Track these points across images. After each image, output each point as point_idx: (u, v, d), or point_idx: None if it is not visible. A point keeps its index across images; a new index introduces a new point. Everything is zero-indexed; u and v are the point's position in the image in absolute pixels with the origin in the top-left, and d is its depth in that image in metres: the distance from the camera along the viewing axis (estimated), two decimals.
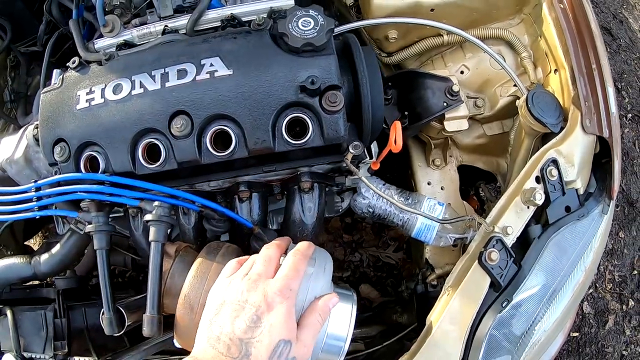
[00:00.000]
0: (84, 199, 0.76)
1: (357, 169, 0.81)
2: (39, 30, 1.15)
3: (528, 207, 0.74)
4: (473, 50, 0.93)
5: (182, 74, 0.71)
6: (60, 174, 0.77)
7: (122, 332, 0.76)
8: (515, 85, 0.87)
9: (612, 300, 1.60)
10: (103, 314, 0.76)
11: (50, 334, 0.90)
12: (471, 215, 0.75)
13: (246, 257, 0.67)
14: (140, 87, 0.72)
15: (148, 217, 0.72)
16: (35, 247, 1.50)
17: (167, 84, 0.71)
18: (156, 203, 0.72)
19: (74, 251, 0.87)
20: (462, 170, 1.00)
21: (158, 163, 0.72)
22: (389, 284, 1.21)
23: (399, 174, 1.02)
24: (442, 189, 0.96)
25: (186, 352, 0.61)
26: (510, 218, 0.73)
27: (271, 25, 0.74)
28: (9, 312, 0.88)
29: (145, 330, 0.69)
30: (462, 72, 0.94)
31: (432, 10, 0.87)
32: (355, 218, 1.43)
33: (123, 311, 0.77)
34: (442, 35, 0.91)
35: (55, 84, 0.81)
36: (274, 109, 0.69)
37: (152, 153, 0.73)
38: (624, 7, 2.36)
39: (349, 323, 0.67)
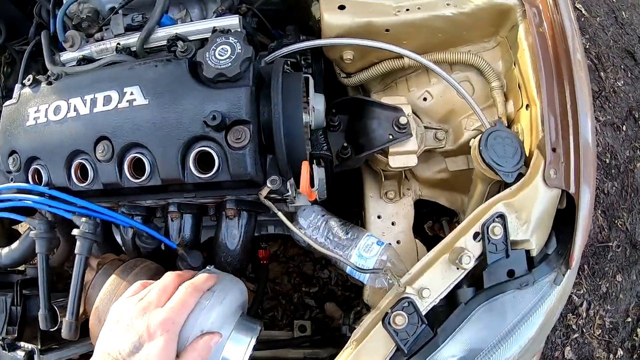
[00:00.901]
0: (28, 207, 0.83)
1: (283, 201, 0.78)
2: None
3: (456, 269, 0.65)
4: (439, 76, 0.82)
5: (107, 100, 0.73)
6: (14, 182, 0.85)
7: (55, 328, 0.84)
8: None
9: (598, 348, 1.38)
10: (39, 311, 0.85)
11: (2, 318, 1.01)
12: (385, 269, 0.68)
13: (151, 281, 0.69)
14: (74, 111, 0.76)
15: (75, 231, 0.77)
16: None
17: (95, 110, 0.74)
18: (83, 219, 0.77)
19: (32, 248, 0.95)
20: (425, 204, 0.91)
21: (87, 182, 0.76)
22: (355, 305, 1.17)
23: (350, 202, 0.96)
24: (392, 224, 0.88)
25: None
26: (433, 278, 0.65)
27: (193, 53, 0.72)
28: None
29: (63, 333, 0.75)
30: (425, 99, 0.84)
31: (387, 30, 0.77)
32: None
33: (56, 310, 0.84)
34: (403, 59, 0.81)
35: (14, 98, 0.89)
36: (182, 141, 0.68)
37: (81, 173, 0.78)
38: None
39: (243, 356, 0.66)
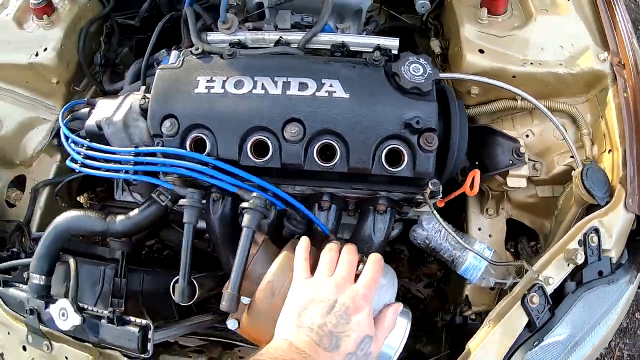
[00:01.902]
0: (183, 174, 1.00)
1: (412, 206, 1.10)
2: (140, 6, 1.42)
3: (568, 265, 1.03)
4: (540, 118, 1.25)
5: (303, 86, 0.99)
6: (162, 146, 1.01)
7: (190, 302, 1.00)
8: (572, 157, 1.19)
9: None
10: (176, 282, 0.99)
11: (105, 290, 1.14)
12: (521, 261, 1.03)
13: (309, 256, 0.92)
14: (262, 89, 1.00)
15: (245, 204, 0.97)
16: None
17: (288, 92, 0.99)
18: (255, 194, 0.98)
19: (150, 219, 1.12)
20: (509, 223, 1.30)
21: (264, 159, 0.98)
22: (414, 315, 1.48)
23: (450, 214, 1.30)
24: (490, 236, 1.26)
25: (237, 336, 0.83)
26: (553, 271, 1.02)
27: (385, 62, 1.02)
28: (71, 261, 1.12)
29: (224, 305, 0.93)
30: (527, 136, 1.26)
31: (513, 76, 1.19)
32: (395, 248, 1.70)
33: (196, 284, 1.00)
34: (517, 100, 1.22)
35: (173, 63, 1.07)
36: (379, 136, 0.97)
37: (257, 149, 0.99)
38: None
39: (403, 334, 0.93)
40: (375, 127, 0.97)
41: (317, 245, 1.06)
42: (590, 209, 1.12)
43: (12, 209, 1.53)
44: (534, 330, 0.99)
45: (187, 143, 1.01)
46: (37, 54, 1.41)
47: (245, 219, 0.97)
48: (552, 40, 1.22)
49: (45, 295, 1.11)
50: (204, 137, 1.00)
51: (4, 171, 1.53)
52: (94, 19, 1.48)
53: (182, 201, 1.01)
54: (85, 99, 1.30)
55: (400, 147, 0.98)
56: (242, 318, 0.96)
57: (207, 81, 1.02)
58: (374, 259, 0.91)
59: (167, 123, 1.01)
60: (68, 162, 1.20)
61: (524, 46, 1.21)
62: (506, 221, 1.30)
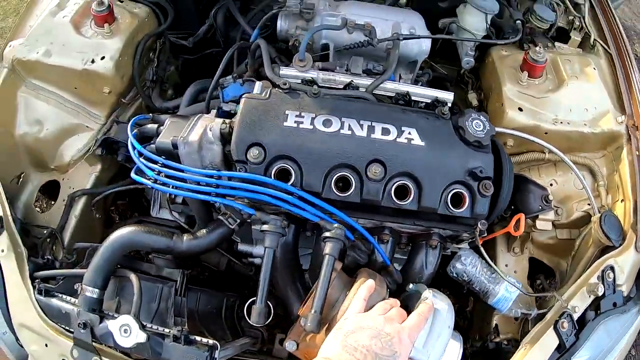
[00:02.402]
0: (266, 201, 1.20)
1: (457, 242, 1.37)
2: (195, 28, 1.60)
3: (589, 296, 1.35)
4: (563, 170, 1.58)
5: (385, 132, 1.24)
6: (244, 172, 1.21)
7: (265, 323, 1.19)
8: (589, 204, 1.51)
9: None
10: (253, 303, 1.19)
11: (162, 308, 1.29)
12: (552, 291, 1.33)
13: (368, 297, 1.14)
14: (349, 130, 1.24)
15: (327, 234, 1.20)
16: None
17: (373, 135, 1.24)
18: (337, 225, 1.20)
19: (217, 240, 1.31)
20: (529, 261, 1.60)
21: (346, 194, 1.21)
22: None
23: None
24: (515, 272, 1.56)
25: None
26: (577, 301, 1.35)
27: (450, 116, 1.29)
28: (134, 278, 1.27)
29: (309, 326, 1.12)
30: (551, 184, 1.58)
31: (546, 133, 1.50)
32: None
33: (271, 306, 1.20)
34: (545, 153, 1.53)
35: (259, 93, 1.27)
36: (447, 181, 1.25)
37: (339, 184, 1.21)
38: None
39: (457, 357, 1.17)
40: (444, 172, 1.25)
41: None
42: (605, 250, 1.45)
43: (41, 214, 1.63)
44: (562, 352, 1.29)
45: (272, 172, 1.22)
46: (93, 61, 1.58)
47: (328, 247, 1.19)
48: (579, 103, 1.59)
49: (98, 309, 1.21)
50: (290, 168, 1.21)
51: (37, 174, 1.66)
52: (150, 34, 1.67)
53: (264, 227, 1.21)
54: (151, 115, 1.45)
55: (463, 192, 1.25)
56: (304, 339, 1.15)
57: (297, 116, 1.24)
58: (420, 309, 1.11)
59: (254, 151, 1.22)
60: (134, 175, 1.35)
61: (556, 107, 1.57)
62: (529, 259, 1.60)
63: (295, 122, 1.25)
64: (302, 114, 1.26)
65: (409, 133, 1.27)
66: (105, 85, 1.59)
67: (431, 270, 1.36)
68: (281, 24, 1.53)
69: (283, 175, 1.25)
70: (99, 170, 1.64)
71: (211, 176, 1.26)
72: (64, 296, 1.31)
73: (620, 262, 1.40)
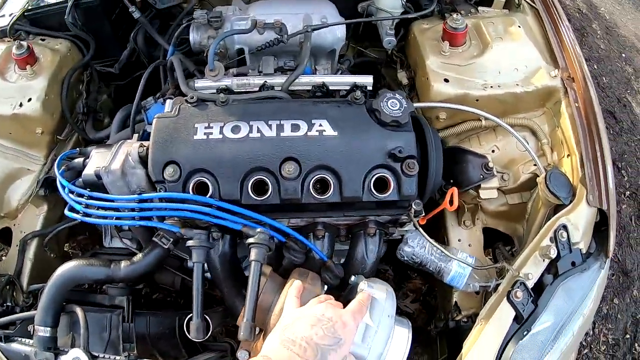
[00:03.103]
0: (188, 217, 1.14)
1: (397, 226, 1.29)
2: (118, 54, 1.55)
3: (543, 260, 1.25)
4: (503, 133, 1.48)
5: (295, 127, 1.17)
6: (165, 191, 1.15)
7: (205, 337, 1.13)
8: (535, 165, 1.41)
9: None
10: (190, 320, 1.13)
11: (114, 336, 1.26)
12: (501, 262, 1.24)
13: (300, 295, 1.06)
14: (258, 132, 1.17)
15: (251, 240, 1.13)
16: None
17: (282, 134, 1.16)
18: (259, 229, 1.13)
19: (154, 262, 1.25)
20: (484, 231, 1.51)
21: (264, 197, 1.14)
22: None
23: (430, 230, 1.50)
24: (469, 245, 1.46)
25: None
26: (531, 267, 1.24)
27: (365, 100, 1.21)
28: (79, 311, 1.23)
29: (242, 335, 1.06)
30: (493, 151, 1.48)
31: (477, 100, 1.41)
32: (379, 269, 1.88)
33: (209, 320, 1.14)
34: (481, 120, 1.44)
35: (169, 111, 1.21)
36: (367, 167, 1.16)
37: (256, 188, 1.15)
38: (628, 92, 3.21)
39: (406, 344, 1.10)
40: (362, 159, 1.16)
41: (317, 271, 1.23)
42: (556, 209, 1.34)
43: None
44: (521, 322, 1.19)
45: (190, 187, 1.16)
46: (21, 105, 1.52)
47: (253, 254, 1.12)
48: (508, 64, 1.47)
49: (53, 347, 1.19)
50: (206, 180, 1.15)
51: None
52: (75, 68, 1.61)
53: (190, 242, 1.15)
54: (78, 149, 1.41)
55: (386, 175, 1.17)
56: (254, 347, 1.10)
57: (205, 127, 1.18)
58: (362, 296, 1.05)
59: (169, 169, 1.16)
60: (67, 212, 1.31)
61: (483, 72, 1.45)
62: (482, 230, 1.51)
63: (204, 134, 1.17)
64: (211, 124, 1.18)
65: (320, 125, 1.17)
66: (37, 126, 1.54)
67: (373, 259, 1.26)
68: (193, 36, 1.47)
69: (202, 188, 1.18)
70: (46, 211, 1.59)
71: (132, 201, 1.22)
72: (22, 339, 1.29)
73: (573, 219, 1.28)
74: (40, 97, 1.52)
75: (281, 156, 1.16)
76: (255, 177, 1.16)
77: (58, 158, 1.40)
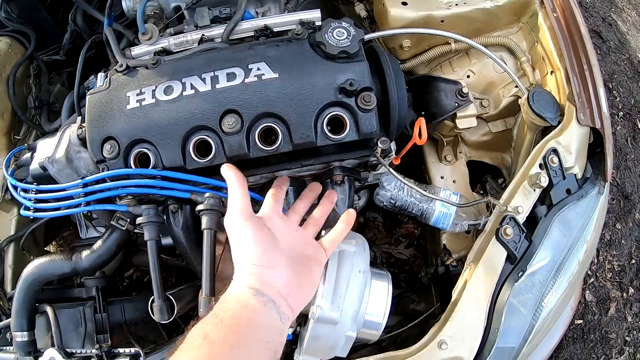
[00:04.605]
0: (134, 193, 0.97)
1: (369, 170, 1.08)
2: (62, 40, 1.38)
3: (534, 190, 1.02)
4: (477, 56, 1.24)
5: (231, 76, 0.95)
6: (108, 170, 0.98)
7: (171, 319, 0.97)
8: (516, 86, 1.17)
9: (612, 289, 1.94)
10: (152, 302, 0.97)
11: (89, 329, 1.12)
12: (486, 197, 1.02)
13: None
14: (191, 89, 0.96)
15: (200, 207, 0.94)
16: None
17: (218, 86, 0.95)
18: (207, 194, 0.95)
19: (115, 247, 1.07)
20: (470, 165, 1.29)
21: (209, 158, 0.95)
22: (402, 278, 1.48)
23: (412, 170, 1.29)
24: (454, 182, 1.24)
25: None
26: (520, 199, 1.00)
27: (308, 34, 1.00)
28: (49, 309, 1.09)
29: (202, 312, 0.89)
30: (468, 76, 1.24)
31: (442, 21, 1.17)
32: (367, 217, 1.69)
33: (172, 299, 0.97)
34: (450, 44, 1.20)
35: (101, 85, 1.03)
36: (316, 107, 0.94)
37: (200, 149, 0.96)
38: (612, 10, 2.85)
39: (387, 299, 0.91)
40: (310, 98, 0.94)
41: None
42: (544, 131, 1.11)
43: None
44: (515, 262, 0.98)
45: (131, 161, 0.98)
46: None
47: (204, 221, 0.94)
48: None
49: (33, 350, 1.09)
50: (146, 150, 0.96)
51: None
52: (19, 63, 1.42)
53: (139, 220, 0.98)
54: (26, 144, 1.25)
55: (340, 113, 0.95)
56: None
57: (137, 94, 0.98)
58: (347, 217, 0.94)
59: (107, 146, 0.97)
60: (22, 212, 1.16)
61: None
62: (467, 164, 1.29)
63: (137, 101, 0.95)
64: (143, 90, 0.96)
65: (258, 69, 0.94)
66: None
67: (344, 208, 1.06)
68: (126, 4, 1.26)
69: (145, 159, 1.01)
70: (16, 214, 1.41)
71: (77, 187, 1.06)
72: (5, 348, 1.20)
73: (563, 141, 1.04)
74: None
75: (219, 110, 0.95)
76: (196, 138, 0.95)
77: (6, 158, 1.25)
